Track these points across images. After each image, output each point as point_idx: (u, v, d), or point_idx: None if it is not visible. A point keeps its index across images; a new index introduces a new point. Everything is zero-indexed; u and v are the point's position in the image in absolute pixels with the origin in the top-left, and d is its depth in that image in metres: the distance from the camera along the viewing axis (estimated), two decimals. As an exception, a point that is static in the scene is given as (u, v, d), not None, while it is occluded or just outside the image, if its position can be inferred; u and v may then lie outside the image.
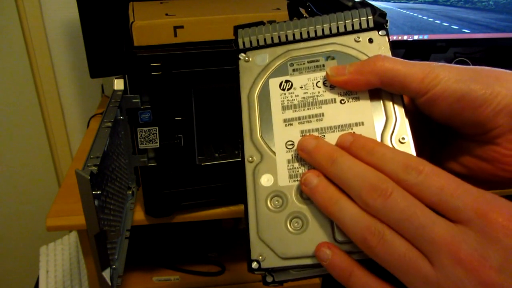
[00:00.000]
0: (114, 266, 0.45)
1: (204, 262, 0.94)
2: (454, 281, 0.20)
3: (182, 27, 0.54)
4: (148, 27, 0.54)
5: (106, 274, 0.41)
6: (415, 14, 1.05)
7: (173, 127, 0.59)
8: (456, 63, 1.12)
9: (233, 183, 0.66)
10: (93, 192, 0.37)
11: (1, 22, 1.07)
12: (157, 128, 0.58)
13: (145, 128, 0.57)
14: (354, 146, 0.26)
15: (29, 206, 1.30)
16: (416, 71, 0.26)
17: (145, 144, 0.58)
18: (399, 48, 1.15)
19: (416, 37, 1.06)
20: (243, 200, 0.28)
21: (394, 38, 1.05)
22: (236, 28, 0.33)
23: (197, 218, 0.69)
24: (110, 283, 0.41)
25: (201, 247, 0.98)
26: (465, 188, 0.22)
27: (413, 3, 1.05)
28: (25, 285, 1.39)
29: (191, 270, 0.91)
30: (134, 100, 0.56)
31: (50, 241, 1.04)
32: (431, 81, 0.25)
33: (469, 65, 1.10)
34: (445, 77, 0.25)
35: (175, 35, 0.55)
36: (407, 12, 1.05)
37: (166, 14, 0.56)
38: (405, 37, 1.06)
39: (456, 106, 0.25)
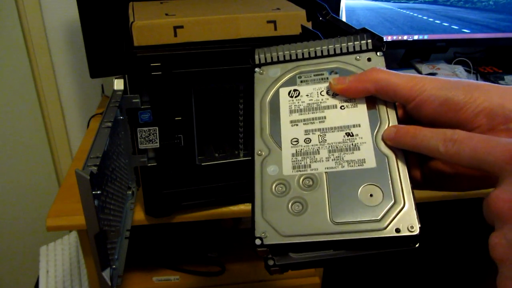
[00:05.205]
0: (114, 266, 0.45)
1: (204, 262, 0.94)
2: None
3: (182, 27, 0.54)
4: (148, 27, 0.53)
5: (106, 274, 0.41)
6: (415, 14, 1.05)
7: (173, 127, 0.59)
8: (456, 63, 1.12)
9: (233, 183, 0.66)
10: (93, 192, 0.37)
11: (1, 22, 1.07)
12: (157, 128, 0.58)
13: (145, 128, 0.57)
14: (399, 134, 0.30)
15: (29, 206, 1.30)
16: (406, 80, 0.30)
17: (145, 144, 0.58)
18: (399, 48, 1.15)
19: (416, 37, 1.06)
20: (250, 186, 0.32)
21: (394, 38, 1.05)
22: (254, 47, 0.38)
23: (197, 218, 0.69)
24: (110, 283, 0.41)
25: (201, 247, 0.98)
26: (494, 143, 0.24)
27: (413, 3, 1.05)
28: (25, 285, 1.39)
29: (191, 270, 0.91)
30: (134, 100, 0.56)
31: (50, 241, 1.04)
32: (419, 89, 0.30)
33: (469, 65, 1.11)
34: (430, 85, 0.30)
35: (175, 35, 0.55)
36: (407, 12, 1.05)
37: (166, 14, 0.56)
38: (405, 37, 1.06)
39: (440, 109, 0.29)
